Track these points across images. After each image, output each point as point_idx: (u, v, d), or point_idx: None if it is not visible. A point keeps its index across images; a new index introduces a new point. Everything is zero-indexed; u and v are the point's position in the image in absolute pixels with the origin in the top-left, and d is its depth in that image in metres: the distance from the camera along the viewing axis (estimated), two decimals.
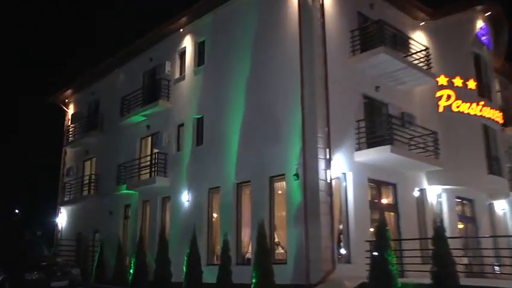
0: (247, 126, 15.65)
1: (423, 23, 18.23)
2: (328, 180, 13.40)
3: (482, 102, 17.85)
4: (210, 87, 17.64)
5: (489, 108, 18.06)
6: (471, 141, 17.29)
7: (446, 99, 17.42)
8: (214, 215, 16.72)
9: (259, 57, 15.84)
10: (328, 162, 13.50)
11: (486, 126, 18.00)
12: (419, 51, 16.97)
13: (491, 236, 17.54)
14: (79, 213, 23.77)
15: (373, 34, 15.50)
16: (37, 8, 48.83)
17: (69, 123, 26.15)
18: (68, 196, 24.48)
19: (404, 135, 15.18)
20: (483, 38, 18.89)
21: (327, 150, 13.56)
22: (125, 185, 19.81)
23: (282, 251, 14.20)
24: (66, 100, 27.01)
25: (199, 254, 14.34)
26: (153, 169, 18.92)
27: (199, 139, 17.71)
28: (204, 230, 16.35)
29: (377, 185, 15.30)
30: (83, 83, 25.10)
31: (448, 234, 11.12)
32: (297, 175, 13.58)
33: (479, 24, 18.89)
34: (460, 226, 17.49)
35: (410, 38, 17.17)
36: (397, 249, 13.34)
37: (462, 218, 17.76)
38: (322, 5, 14.67)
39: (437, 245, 10.62)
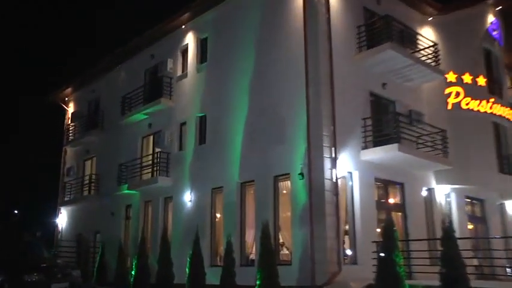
0: (251, 124, 15.67)
1: (431, 18, 18.19)
2: (334, 180, 13.41)
3: (492, 99, 17.79)
4: (213, 84, 17.67)
5: (500, 105, 17.99)
6: (481, 140, 17.24)
7: (455, 96, 17.37)
8: (218, 216, 16.77)
9: (263, 53, 15.85)
10: (333, 161, 13.51)
11: (497, 124, 17.94)
12: (428, 47, 16.93)
13: (502, 237, 17.49)
14: (79, 213, 23.87)
15: (380, 30, 15.48)
16: (37, 8, 49.22)
17: (69, 122, 26.26)
18: (68, 196, 24.58)
19: (412, 134, 15.16)
20: (494, 33, 18.82)
21: (333, 149, 13.57)
22: (126, 185, 19.89)
23: (287, 252, 14.23)
24: (66, 98, 27.11)
25: (202, 255, 14.40)
26: (155, 169, 18.98)
27: (202, 138, 17.75)
28: (207, 231, 16.40)
29: (384, 185, 15.30)
30: (83, 81, 25.20)
31: (457, 234, 11.06)
32: (301, 174, 13.60)
33: (490, 18, 18.81)
34: (470, 227, 17.46)
35: (418, 33, 17.13)
36: (404, 250, 13.35)
37: (472, 218, 17.72)
38: (327, 0, 14.66)
39: (446, 245, 10.60)
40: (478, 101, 17.44)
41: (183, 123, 18.70)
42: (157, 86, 19.98)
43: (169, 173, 18.59)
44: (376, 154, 14.37)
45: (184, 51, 19.56)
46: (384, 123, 15.34)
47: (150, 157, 19.63)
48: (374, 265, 11.57)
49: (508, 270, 14.65)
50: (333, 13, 14.73)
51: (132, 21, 39.51)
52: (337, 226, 13.13)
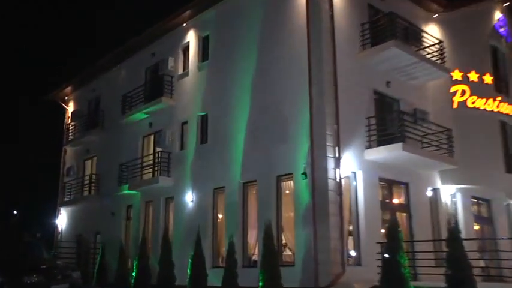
0: (254, 123, 15.70)
1: (437, 15, 18.18)
2: (338, 180, 13.41)
3: (499, 98, 17.77)
4: (215, 83, 17.70)
5: (507, 104, 17.96)
6: (487, 139, 17.22)
7: (461, 94, 17.36)
8: (220, 216, 16.80)
9: (265, 51, 15.87)
10: (337, 161, 13.53)
11: (503, 122, 17.92)
12: (433, 45, 16.92)
13: (509, 238, 17.45)
14: (79, 214, 23.93)
15: (384, 27, 15.48)
16: (37, 8, 49.51)
17: (69, 121, 26.32)
18: (68, 197, 24.66)
19: (416, 133, 15.16)
20: (501, 29, 18.79)
21: (336, 148, 13.58)
22: (127, 185, 19.94)
23: (290, 253, 14.25)
24: (66, 97, 27.18)
25: (204, 256, 14.44)
26: (155, 168, 19.03)
27: (203, 137, 17.78)
28: (209, 232, 16.44)
29: (388, 185, 15.30)
30: (83, 80, 25.25)
31: (463, 235, 11.10)
32: (305, 174, 13.62)
33: (497, 15, 18.79)
34: (476, 227, 17.43)
35: (423, 30, 17.12)
36: (409, 251, 13.32)
37: (478, 218, 17.70)
38: None
39: (452, 247, 10.61)
40: (484, 100, 17.42)
41: (185, 123, 18.73)
42: (158, 84, 20.01)
43: (170, 172, 18.63)
44: (380, 153, 14.37)
45: (186, 50, 19.58)
46: (388, 122, 15.34)
47: (151, 157, 19.69)
48: (378, 266, 11.61)
49: None
50: (336, 10, 14.74)
51: (132, 21, 39.73)
52: (341, 227, 13.13)
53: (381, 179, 14.80)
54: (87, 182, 23.61)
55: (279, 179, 14.72)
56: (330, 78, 14.06)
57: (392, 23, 15.35)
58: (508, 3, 19.05)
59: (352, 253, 13.81)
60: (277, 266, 12.50)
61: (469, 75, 17.53)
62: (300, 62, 14.41)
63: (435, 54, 16.84)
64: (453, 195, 16.98)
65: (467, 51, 17.86)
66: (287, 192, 14.68)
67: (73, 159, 25.57)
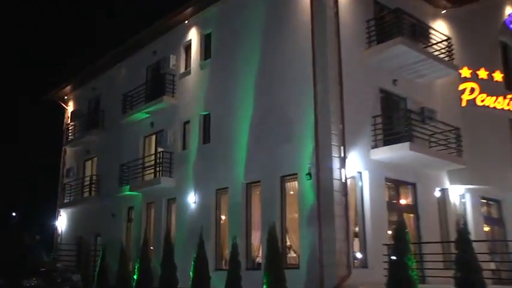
0: (257, 122, 15.71)
1: (445, 11, 18.13)
2: (343, 180, 13.42)
3: (510, 96, 17.72)
4: (217, 82, 17.72)
5: None
6: (497, 138, 17.18)
7: (469, 92, 17.32)
8: (223, 217, 16.83)
9: (269, 50, 15.88)
10: (342, 161, 13.53)
11: None
12: (441, 42, 16.89)
13: None
14: (80, 216, 24.01)
15: (391, 24, 15.46)
16: (37, 8, 49.89)
17: (69, 121, 26.41)
18: (68, 198, 24.74)
19: (424, 132, 15.14)
20: (511, 25, 18.72)
21: (342, 148, 13.58)
22: (128, 186, 19.99)
23: (294, 255, 14.27)
24: (66, 97, 27.27)
25: (206, 259, 14.45)
26: (157, 169, 19.08)
27: (206, 137, 17.81)
28: (212, 233, 16.47)
29: (395, 185, 15.29)
30: (83, 79, 25.33)
31: (472, 237, 11.06)
32: (309, 174, 13.62)
33: (508, 10, 18.73)
34: (486, 229, 17.37)
35: (430, 27, 17.09)
36: (417, 253, 13.34)
37: (488, 219, 17.65)
38: None
39: (461, 248, 10.57)
40: (494, 98, 17.38)
41: (187, 122, 18.77)
42: (159, 83, 20.05)
43: (172, 173, 18.67)
44: (386, 153, 14.36)
45: (188, 47, 19.62)
46: (395, 121, 15.32)
47: (153, 157, 19.73)
48: (385, 269, 11.61)
49: None
50: (341, 7, 14.73)
51: (132, 21, 39.96)
52: (347, 228, 13.13)
53: (387, 179, 14.79)
54: (87, 183, 23.68)
55: (283, 179, 14.73)
56: (335, 76, 14.05)
57: (398, 19, 15.33)
58: None
59: (358, 255, 13.80)
60: (282, 269, 12.51)
61: (478, 72, 17.48)
62: (304, 59, 14.41)
63: (443, 51, 16.80)
64: (462, 196, 16.95)
65: (477, 47, 17.81)
66: (291, 193, 14.69)
67: (73, 159, 25.65)
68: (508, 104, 17.60)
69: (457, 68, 16.91)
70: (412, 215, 15.46)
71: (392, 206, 14.88)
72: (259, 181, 15.36)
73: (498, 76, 17.66)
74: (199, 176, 17.51)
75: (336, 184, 13.29)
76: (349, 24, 14.91)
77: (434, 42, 16.84)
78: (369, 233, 13.81)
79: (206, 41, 18.83)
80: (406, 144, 14.07)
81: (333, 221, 12.99)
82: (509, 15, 18.70)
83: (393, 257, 11.02)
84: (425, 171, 15.77)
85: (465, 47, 17.66)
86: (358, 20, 15.28)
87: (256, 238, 15.28)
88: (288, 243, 14.54)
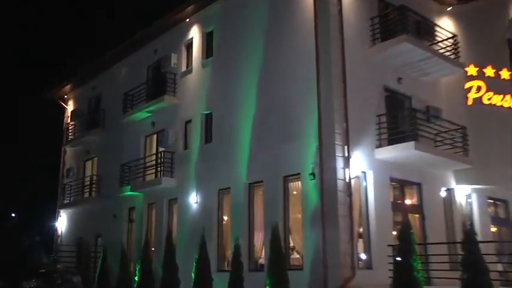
0: (260, 122, 15.72)
1: (450, 8, 18.09)
2: (347, 180, 13.41)
3: None
4: (219, 80, 17.73)
5: None
6: (504, 137, 17.12)
7: (476, 90, 17.28)
8: (225, 218, 16.84)
9: (271, 48, 15.88)
10: (346, 161, 13.52)
11: None
12: (446, 39, 16.84)
13: None
14: (80, 216, 24.06)
15: (395, 21, 15.44)
16: (37, 8, 50.20)
17: (69, 121, 26.45)
18: (68, 198, 24.79)
19: (429, 131, 15.12)
20: None
21: (345, 147, 13.57)
22: (129, 186, 20.02)
23: (298, 256, 14.27)
24: (65, 96, 27.33)
25: (209, 260, 14.47)
26: (158, 169, 19.10)
27: (208, 136, 17.83)
28: (214, 234, 16.48)
29: (400, 185, 15.28)
30: (83, 78, 25.37)
31: (479, 238, 11.06)
32: (313, 174, 13.62)
33: None
34: (493, 229, 17.34)
35: (435, 24, 17.06)
36: (422, 254, 13.30)
37: (495, 220, 17.62)
38: None
39: (468, 249, 10.57)
40: (501, 96, 17.33)
41: (188, 121, 18.79)
42: (160, 82, 20.07)
43: (173, 173, 18.70)
44: (391, 153, 14.35)
45: (189, 46, 19.63)
46: (400, 119, 15.31)
47: (154, 157, 19.75)
48: (390, 270, 11.63)
49: None
50: (345, 4, 14.71)
51: (132, 21, 40.13)
52: (351, 228, 13.13)
53: (392, 179, 14.77)
54: (87, 183, 23.72)
55: (286, 179, 14.73)
56: (339, 74, 14.05)
57: (403, 16, 15.31)
58: None
59: (363, 256, 13.80)
60: (285, 270, 12.52)
61: (484, 70, 17.44)
62: (307, 57, 14.41)
63: (449, 48, 16.76)
64: (468, 196, 16.92)
65: (483, 45, 17.76)
66: (295, 193, 14.69)
67: (73, 159, 25.71)
68: None
69: (463, 66, 16.87)
70: (417, 215, 15.43)
71: (397, 207, 14.87)
72: (261, 181, 15.37)
73: (505, 74, 17.60)
74: (201, 176, 17.52)
75: (340, 184, 13.28)
76: (352, 21, 14.89)
77: (439, 39, 16.79)
78: (374, 233, 13.80)
79: (208, 39, 18.84)
80: (411, 143, 14.05)
81: (336, 221, 12.98)
82: None
83: (398, 258, 11.05)
84: (431, 171, 15.75)
85: (471, 44, 17.62)
86: (362, 18, 15.26)
87: (259, 239, 15.28)
88: (291, 244, 14.54)
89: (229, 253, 15.50)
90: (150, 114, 20.37)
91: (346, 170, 13.47)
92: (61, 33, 50.08)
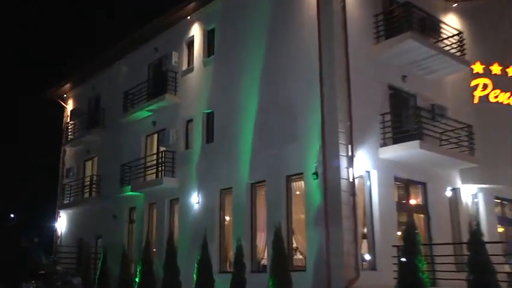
0: (262, 121, 15.74)
1: (456, 4, 18.08)
2: (351, 180, 13.42)
3: None
4: (221, 79, 17.76)
5: None
6: (511, 135, 17.11)
7: (482, 88, 17.27)
8: (227, 218, 16.88)
9: (274, 45, 15.90)
10: (350, 160, 13.53)
11: None
12: (452, 36, 16.85)
13: None
14: (80, 217, 24.13)
15: (400, 18, 15.45)
16: (37, 8, 50.51)
17: (68, 120, 26.51)
18: (68, 199, 24.85)
19: (434, 130, 15.12)
20: None
21: (349, 146, 13.59)
22: (130, 187, 20.06)
23: (301, 257, 14.30)
24: (65, 95, 27.39)
25: (210, 261, 14.51)
26: (159, 169, 19.13)
27: (209, 136, 17.86)
28: (216, 235, 16.51)
29: (404, 185, 15.28)
30: (83, 77, 25.42)
31: (486, 238, 11.06)
32: (316, 174, 13.64)
33: None
34: (500, 229, 17.34)
35: (441, 21, 17.05)
36: (428, 255, 13.35)
37: (502, 220, 17.62)
38: None
39: (474, 250, 10.56)
40: (508, 94, 17.33)
41: (189, 121, 18.82)
42: (161, 81, 20.11)
43: (175, 173, 18.73)
44: (396, 152, 14.35)
45: (190, 44, 19.66)
46: (404, 118, 15.29)
47: (155, 157, 19.79)
48: (395, 271, 11.63)
49: None
50: (349, 1, 14.72)
51: (132, 21, 40.31)
52: (355, 229, 13.15)
53: (396, 179, 14.78)
54: (87, 183, 23.78)
55: (289, 179, 14.75)
56: (342, 72, 14.05)
57: (408, 13, 15.31)
58: None
59: (367, 257, 13.82)
60: (288, 271, 12.54)
61: (491, 67, 17.43)
62: (310, 55, 14.42)
63: (454, 46, 16.75)
64: (474, 196, 16.92)
65: (489, 42, 17.75)
66: (298, 193, 14.71)
67: (73, 159, 25.77)
68: None
69: (469, 64, 16.87)
70: (422, 215, 15.45)
71: (402, 206, 14.87)
72: (264, 181, 15.39)
73: None
74: (203, 176, 17.55)
75: (344, 184, 13.30)
76: (356, 18, 14.90)
77: (445, 36, 16.79)
78: (378, 234, 13.81)
79: (209, 37, 18.86)
80: (416, 142, 14.06)
81: (340, 221, 13.00)
82: None
83: (403, 259, 11.05)
84: (436, 170, 15.75)
85: (477, 41, 17.61)
86: (366, 15, 15.27)
87: (262, 240, 15.31)
88: (294, 245, 14.56)
89: (231, 254, 15.54)
90: (150, 113, 20.41)
91: (350, 169, 13.48)
92: (61, 32, 50.49)
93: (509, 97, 17.32)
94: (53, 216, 26.25)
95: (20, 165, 37.39)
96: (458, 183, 16.54)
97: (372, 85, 14.73)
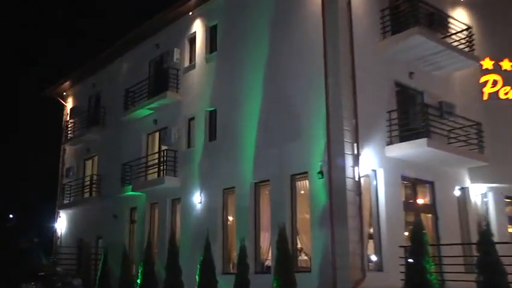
0: (265, 119, 15.74)
1: None
2: (356, 179, 13.41)
3: None
4: (224, 76, 17.76)
5: None
6: None
7: (492, 85, 17.22)
8: (230, 218, 16.89)
9: (277, 42, 15.89)
10: (356, 158, 13.52)
11: None
12: (460, 31, 16.79)
13: None
14: (80, 217, 24.19)
15: (406, 13, 15.41)
16: (37, 8, 50.92)
17: (68, 119, 26.57)
18: (68, 199, 24.92)
19: (442, 127, 15.09)
20: None
21: (355, 144, 13.57)
22: (130, 186, 20.10)
23: (306, 257, 14.30)
24: (64, 93, 27.45)
25: (213, 262, 14.53)
26: (161, 168, 19.16)
27: (212, 134, 17.87)
28: (219, 235, 16.53)
29: (412, 184, 15.26)
30: (83, 74, 25.47)
31: (496, 238, 11.04)
32: (321, 173, 13.63)
33: None
34: (511, 229, 17.28)
35: (449, 16, 17.00)
36: (435, 256, 13.32)
37: None
38: None
39: (484, 251, 10.54)
40: None
41: (192, 119, 18.83)
42: (162, 78, 20.13)
43: (177, 172, 18.75)
44: (403, 150, 14.33)
45: (192, 40, 19.67)
46: (411, 116, 15.28)
47: (156, 155, 19.83)
48: (402, 272, 11.62)
49: None
50: None
51: (133, 17, 40.54)
52: (361, 229, 13.14)
53: (403, 178, 14.76)
54: (87, 183, 23.84)
55: (294, 178, 14.75)
56: (348, 69, 14.04)
57: (415, 8, 15.28)
58: None
59: (373, 257, 13.81)
60: (292, 272, 12.54)
61: (501, 63, 17.38)
62: (314, 52, 14.41)
63: (463, 41, 16.69)
64: (484, 195, 16.87)
65: (500, 37, 17.69)
66: (302, 192, 14.71)
67: (73, 158, 25.83)
68: None
69: (478, 59, 16.80)
70: (430, 215, 15.42)
71: (409, 206, 14.85)
72: (268, 180, 15.39)
73: None
74: (205, 175, 17.57)
75: (349, 183, 13.28)
76: (362, 14, 14.87)
77: (453, 32, 16.73)
78: (384, 234, 13.79)
79: (212, 34, 18.86)
80: (424, 140, 14.03)
81: (346, 221, 12.99)
82: None
83: (410, 260, 11.04)
84: (444, 169, 15.72)
85: (487, 36, 17.55)
86: (371, 10, 15.24)
87: (266, 240, 15.32)
88: (299, 246, 14.57)
89: (234, 255, 15.55)
90: (152, 112, 20.44)
91: (356, 168, 13.47)
92: (61, 31, 50.83)
93: None
94: (53, 217, 26.34)
95: (19, 165, 37.57)
96: (467, 182, 16.50)
97: (378, 82, 14.70)
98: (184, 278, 15.42)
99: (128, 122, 21.51)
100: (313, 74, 14.42)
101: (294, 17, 15.56)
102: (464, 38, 16.79)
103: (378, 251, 13.80)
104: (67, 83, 26.72)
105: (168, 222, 18.87)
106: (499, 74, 17.29)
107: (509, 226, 17.12)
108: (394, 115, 14.81)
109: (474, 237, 13.45)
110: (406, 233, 13.56)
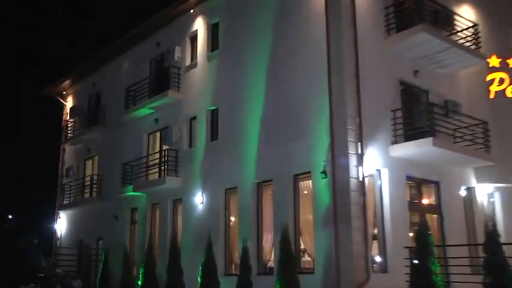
0: (268, 117, 15.75)
1: None
2: (360, 179, 13.40)
3: None
4: (226, 74, 17.78)
5: None
6: None
7: (498, 83, 17.12)
8: (232, 219, 16.91)
9: (280, 39, 15.90)
10: (360, 158, 13.51)
11: None
12: (466, 29, 16.78)
13: None
14: (80, 218, 24.24)
15: (411, 10, 15.38)
16: (37, 8, 51.19)
17: (68, 118, 26.62)
18: (68, 199, 24.98)
19: (448, 126, 15.07)
20: None
21: (359, 144, 13.57)
22: (131, 186, 20.13)
23: (309, 258, 14.30)
24: (64, 92, 27.51)
25: (215, 263, 14.57)
26: (162, 168, 19.19)
27: (214, 133, 17.89)
28: (221, 236, 16.54)
29: (417, 184, 15.25)
30: (83, 73, 25.52)
31: (503, 239, 11.02)
32: (324, 173, 13.63)
33: None
34: None
35: (455, 13, 16.98)
36: (441, 257, 13.32)
37: None
38: None
39: (490, 252, 10.55)
40: None
41: (193, 118, 18.85)
42: (164, 77, 20.16)
43: (178, 172, 18.78)
44: (407, 149, 14.31)
45: (194, 38, 19.69)
46: (416, 115, 15.27)
47: (157, 155, 19.85)
48: (406, 273, 11.62)
49: None
50: None
51: (133, 15, 40.69)
52: (365, 230, 13.13)
53: (408, 178, 14.75)
54: (88, 183, 23.89)
55: (297, 178, 14.75)
56: (352, 67, 14.03)
57: (420, 5, 15.26)
58: None
59: (378, 259, 13.82)
60: (295, 273, 12.58)
61: (508, 61, 17.24)
62: (318, 50, 14.40)
63: (469, 39, 16.69)
64: (490, 195, 16.87)
65: (506, 34, 17.64)
66: (305, 192, 14.72)
67: (73, 158, 25.88)
68: None
69: (484, 57, 16.75)
70: (435, 215, 15.42)
71: (414, 206, 14.84)
72: (270, 180, 15.40)
73: None
74: (207, 175, 17.58)
75: (353, 183, 13.28)
76: (366, 11, 14.86)
77: (459, 29, 16.73)
78: (389, 235, 13.79)
79: (213, 32, 18.88)
80: (429, 139, 14.01)
81: (349, 222, 12.99)
82: None
83: (415, 261, 11.04)
84: (450, 168, 15.70)
85: (493, 34, 17.54)
86: (376, 7, 15.23)
87: (268, 241, 15.33)
88: (302, 246, 14.57)
89: (236, 256, 15.56)
90: (153, 111, 20.46)
91: (360, 168, 13.47)
92: (60, 32, 51.12)
93: None
94: (53, 217, 26.40)
95: (19, 166, 37.65)
96: (473, 182, 16.49)
97: (382, 80, 14.70)
98: (186, 279, 15.46)
99: (129, 121, 21.55)
100: (316, 72, 14.41)
101: (297, 14, 15.56)
102: (470, 36, 16.77)
103: (382, 252, 13.80)
104: (67, 82, 26.78)
105: (169, 223, 18.90)
106: (505, 72, 17.18)
107: None
108: (399, 114, 14.80)
109: (480, 238, 13.42)
110: (411, 234, 13.53)
